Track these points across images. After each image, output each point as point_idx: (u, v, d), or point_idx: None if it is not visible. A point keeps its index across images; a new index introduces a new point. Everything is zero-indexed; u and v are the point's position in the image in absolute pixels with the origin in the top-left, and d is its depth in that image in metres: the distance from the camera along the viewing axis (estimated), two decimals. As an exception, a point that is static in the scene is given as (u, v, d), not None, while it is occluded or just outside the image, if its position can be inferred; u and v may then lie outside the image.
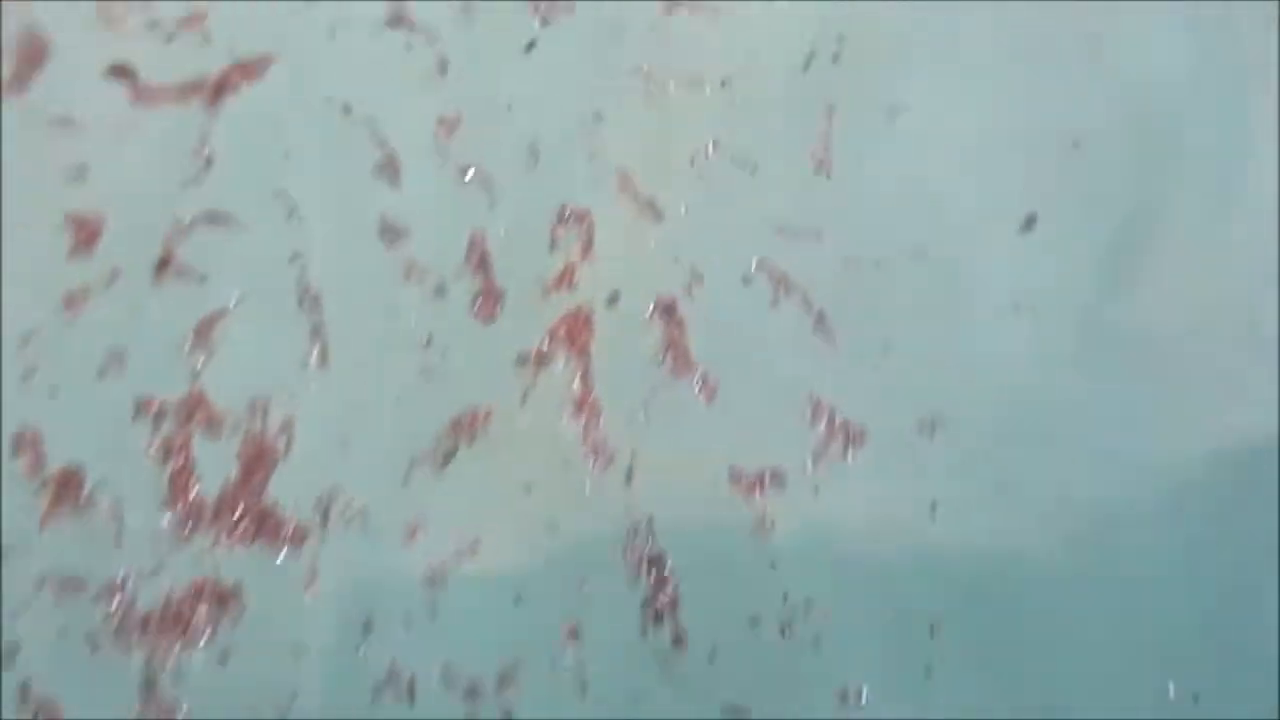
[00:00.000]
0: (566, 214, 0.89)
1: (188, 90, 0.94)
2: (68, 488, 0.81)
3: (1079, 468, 0.80)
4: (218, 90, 0.94)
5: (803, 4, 0.94)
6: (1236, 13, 0.92)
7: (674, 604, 0.78)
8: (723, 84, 0.92)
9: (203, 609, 0.79)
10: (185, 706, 0.77)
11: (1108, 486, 0.80)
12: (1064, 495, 0.80)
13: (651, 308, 0.86)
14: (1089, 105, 0.90)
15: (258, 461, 0.82)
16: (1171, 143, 0.89)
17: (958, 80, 0.91)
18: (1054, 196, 0.88)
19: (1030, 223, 0.87)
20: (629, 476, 0.82)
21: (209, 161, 0.91)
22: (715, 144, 0.91)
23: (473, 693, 0.77)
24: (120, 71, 0.94)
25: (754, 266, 0.87)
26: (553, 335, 0.85)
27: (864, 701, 0.75)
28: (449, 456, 0.82)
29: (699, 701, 0.76)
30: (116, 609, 0.79)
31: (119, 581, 0.79)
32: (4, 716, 0.75)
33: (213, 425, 0.83)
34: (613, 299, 0.86)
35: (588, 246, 0.88)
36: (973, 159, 0.89)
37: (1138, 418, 0.82)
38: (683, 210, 0.89)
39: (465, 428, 0.83)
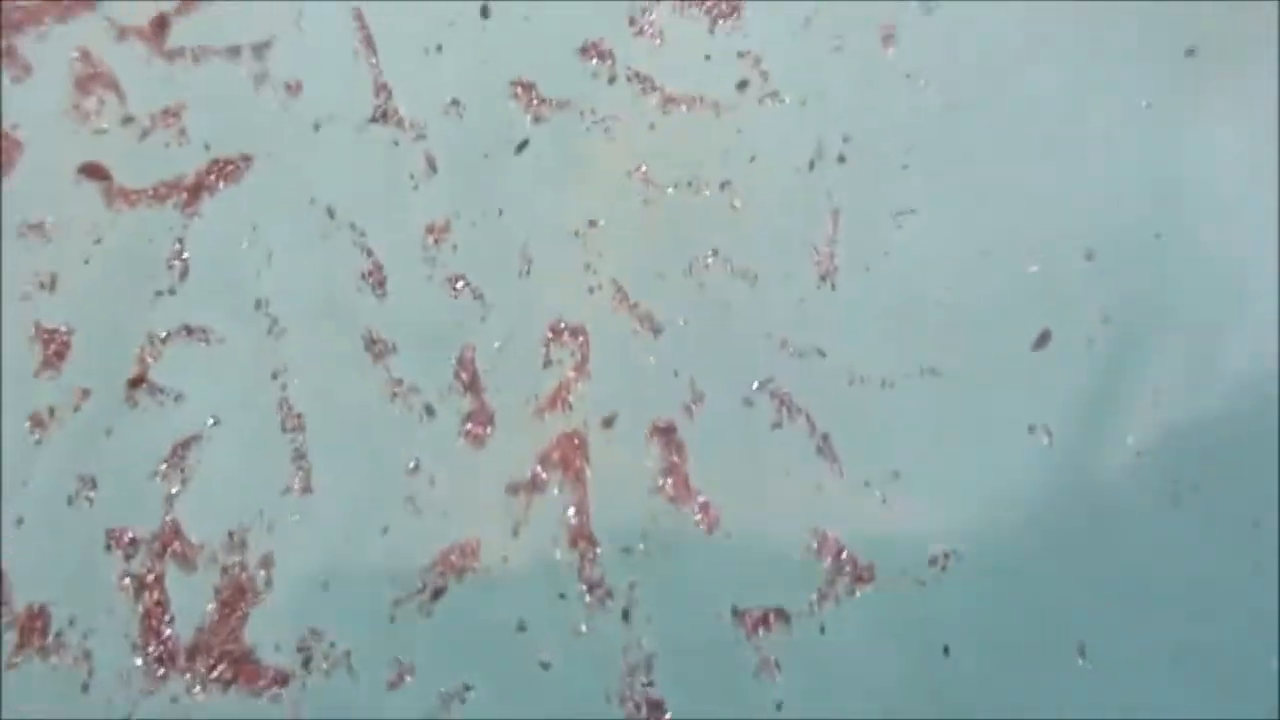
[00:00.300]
0: (560, 328, 0.85)
1: (163, 191, 0.90)
2: (34, 627, 0.77)
3: (1103, 608, 0.77)
4: (194, 192, 0.90)
5: (808, 103, 0.90)
6: (1245, 110, 0.89)
7: (676, 757, 0.75)
8: (722, 186, 0.89)
9: (177, 761, 0.75)
10: None
11: (1133, 629, 0.77)
12: (1086, 641, 0.76)
13: (649, 430, 0.82)
14: (1102, 213, 0.86)
15: (235, 599, 0.78)
16: (1186, 250, 0.85)
17: (967, 184, 0.88)
18: (1068, 310, 0.84)
19: (1044, 340, 0.84)
20: (626, 614, 0.78)
21: (185, 269, 0.87)
22: (715, 251, 0.87)
23: None
24: (93, 171, 0.90)
25: (756, 385, 0.83)
26: (545, 460, 0.81)
27: None
28: (437, 594, 0.78)
29: None
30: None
31: (87, 731, 0.75)
32: None
33: (188, 559, 0.79)
34: (609, 420, 0.82)
35: (582, 363, 0.84)
36: (982, 269, 0.86)
37: (1166, 549, 0.78)
38: (681, 323, 0.85)
39: (454, 562, 0.79)
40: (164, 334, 0.85)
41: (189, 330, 0.85)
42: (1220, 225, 0.86)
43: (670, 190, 0.89)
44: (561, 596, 0.78)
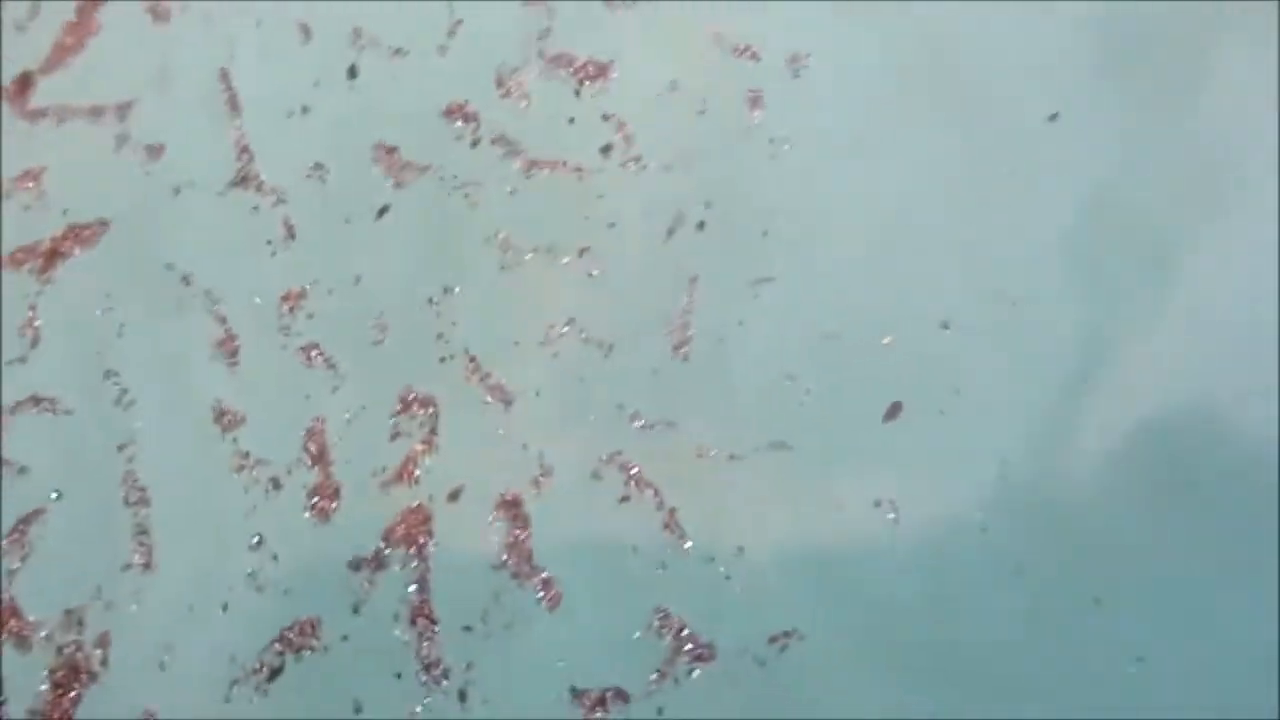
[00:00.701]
0: (411, 398, 0.84)
1: (20, 257, 0.89)
2: None
3: (947, 687, 0.76)
4: (50, 258, 0.89)
5: (672, 168, 0.89)
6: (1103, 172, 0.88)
7: None
8: (580, 253, 0.88)
9: (3, 847, 0.74)
10: None
11: (979, 705, 0.76)
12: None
13: (495, 504, 0.82)
14: (959, 282, 0.85)
15: (70, 679, 0.77)
16: (1041, 318, 0.85)
17: (826, 252, 0.87)
18: (920, 381, 0.84)
19: (894, 411, 0.83)
20: (463, 695, 0.77)
21: (36, 338, 0.87)
22: (570, 320, 0.86)
23: None
24: (-54, 236, 0.90)
25: (604, 458, 0.83)
26: (389, 536, 0.81)
27: None
28: (275, 673, 0.77)
29: None
30: None
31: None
32: None
33: (24, 639, 0.78)
34: (454, 494, 0.82)
35: (431, 436, 0.83)
36: (836, 341, 0.85)
37: (1009, 623, 0.78)
38: (533, 395, 0.85)
39: (293, 641, 0.78)
40: (12, 404, 0.84)
41: (36, 400, 0.85)
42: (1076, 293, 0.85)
43: (529, 256, 0.88)
44: (398, 676, 0.78)
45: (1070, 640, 0.77)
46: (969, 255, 0.86)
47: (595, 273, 0.88)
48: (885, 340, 0.85)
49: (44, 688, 0.77)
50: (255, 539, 0.81)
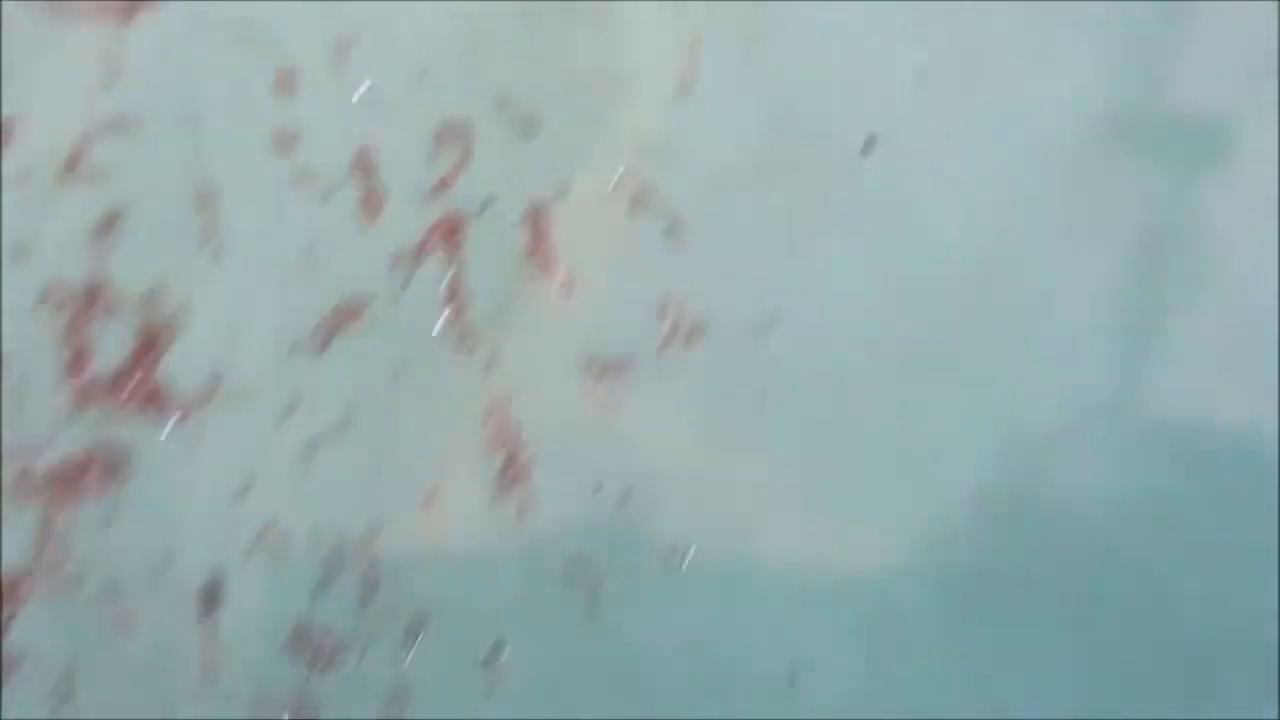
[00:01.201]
0: (448, 127, 0.96)
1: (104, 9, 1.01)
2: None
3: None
4: (129, 11, 1.01)
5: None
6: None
7: (525, 474, 0.87)
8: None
9: (94, 472, 0.87)
10: (73, 560, 0.84)
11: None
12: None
13: (521, 213, 0.94)
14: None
15: (152, 340, 0.89)
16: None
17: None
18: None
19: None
20: (490, 364, 0.90)
21: (120, 75, 0.98)
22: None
23: (339, 548, 0.85)
24: (39, -14, 1.01)
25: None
26: (429, 236, 0.93)
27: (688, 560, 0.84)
28: (327, 341, 0.90)
29: (543, 557, 0.84)
30: (14, 470, 0.86)
31: (16, 448, 0.87)
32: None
33: (113, 308, 0.90)
34: (486, 204, 0.94)
35: (465, 158, 0.96)
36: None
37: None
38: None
39: (344, 316, 0.91)
40: (98, 124, 0.96)
41: (120, 122, 0.96)
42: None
43: None
44: (435, 346, 0.90)
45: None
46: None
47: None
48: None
49: (130, 348, 0.89)
50: (311, 238, 0.93)
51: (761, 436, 0.87)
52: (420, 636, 0.83)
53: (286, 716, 0.81)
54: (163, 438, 0.87)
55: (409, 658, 0.83)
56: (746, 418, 0.88)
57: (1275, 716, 0.76)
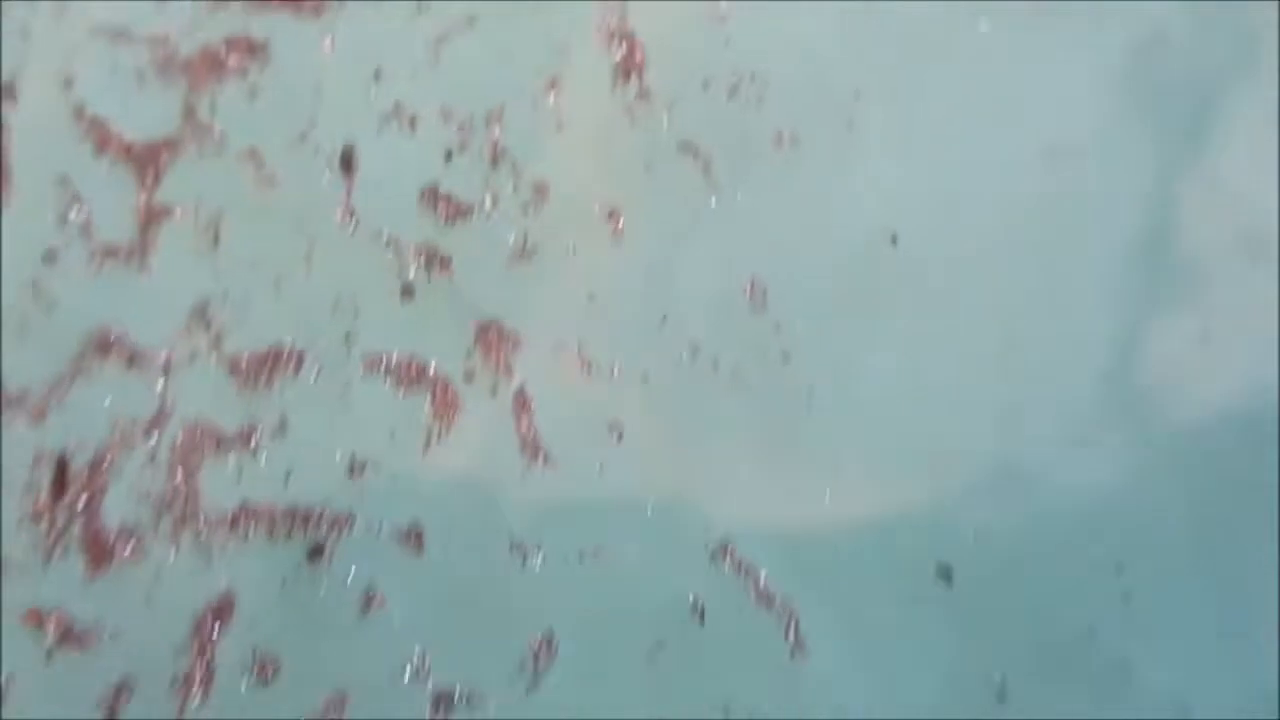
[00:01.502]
0: None
1: None
2: None
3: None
4: None
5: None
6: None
7: (641, 66, 0.91)
8: None
9: (235, 55, 0.92)
10: (218, 130, 0.90)
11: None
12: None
13: None
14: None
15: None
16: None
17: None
18: None
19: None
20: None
21: None
22: None
23: (465, 126, 0.90)
24: None
25: None
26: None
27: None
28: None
29: (659, 138, 0.89)
30: (159, 54, 0.91)
31: (163, 34, 0.92)
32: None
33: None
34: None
35: None
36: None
37: None
38: None
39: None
40: None
41: None
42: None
43: None
44: None
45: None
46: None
47: None
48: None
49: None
50: None
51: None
52: (543, 202, 0.88)
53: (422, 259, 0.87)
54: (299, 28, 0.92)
55: (531, 219, 0.88)
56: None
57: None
